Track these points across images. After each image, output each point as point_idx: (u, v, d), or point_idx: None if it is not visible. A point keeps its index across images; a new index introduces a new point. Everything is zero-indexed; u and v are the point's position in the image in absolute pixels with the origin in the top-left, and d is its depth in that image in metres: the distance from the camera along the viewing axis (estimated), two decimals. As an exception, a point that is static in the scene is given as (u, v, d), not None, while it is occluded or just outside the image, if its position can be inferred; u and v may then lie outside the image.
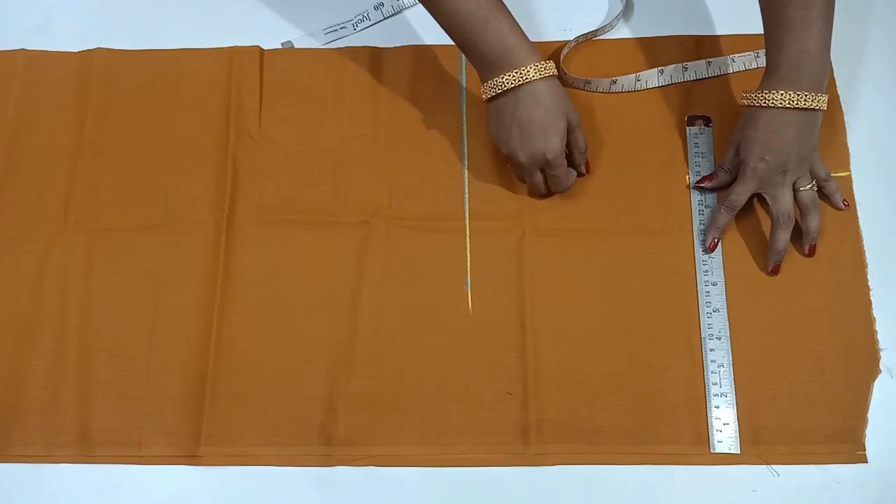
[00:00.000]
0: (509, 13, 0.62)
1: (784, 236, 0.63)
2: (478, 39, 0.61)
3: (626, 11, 0.74)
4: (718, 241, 0.65)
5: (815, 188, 0.64)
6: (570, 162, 0.66)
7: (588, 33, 0.72)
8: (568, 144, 0.64)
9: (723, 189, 0.66)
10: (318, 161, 0.70)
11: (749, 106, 0.62)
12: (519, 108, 0.61)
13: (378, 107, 0.71)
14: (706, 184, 0.66)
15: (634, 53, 0.72)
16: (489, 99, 0.63)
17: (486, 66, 0.62)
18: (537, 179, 0.65)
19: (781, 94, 0.60)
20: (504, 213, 0.67)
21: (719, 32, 0.72)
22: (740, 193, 0.63)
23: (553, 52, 0.72)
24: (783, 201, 0.62)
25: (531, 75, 0.60)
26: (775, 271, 0.64)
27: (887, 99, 0.70)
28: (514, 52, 0.60)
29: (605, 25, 0.72)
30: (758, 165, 0.62)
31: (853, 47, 0.71)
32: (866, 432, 0.60)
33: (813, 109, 0.60)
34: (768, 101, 0.60)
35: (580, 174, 0.67)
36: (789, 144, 0.61)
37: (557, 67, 0.70)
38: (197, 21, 0.76)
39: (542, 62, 0.61)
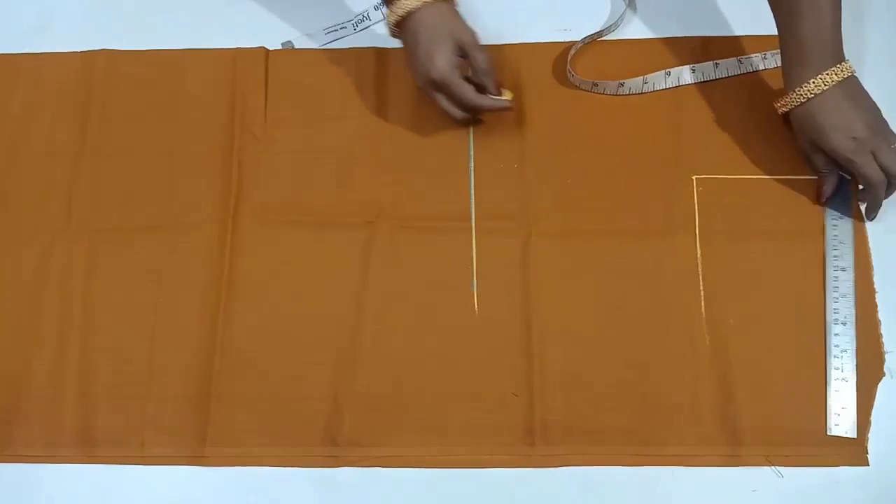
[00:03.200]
0: None
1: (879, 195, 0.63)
2: None
3: (630, 10, 0.74)
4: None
5: None
6: (479, 87, 0.65)
7: (595, 34, 0.72)
8: (471, 67, 0.65)
9: (838, 184, 0.65)
10: (322, 162, 0.69)
11: (792, 110, 0.63)
12: (408, 37, 0.64)
13: (383, 107, 0.71)
14: (825, 192, 0.65)
15: (641, 54, 0.72)
16: (394, 31, 0.65)
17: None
18: (442, 104, 0.66)
19: (815, 82, 0.60)
20: (510, 214, 0.67)
21: (727, 33, 0.72)
22: (872, 170, 0.61)
23: (560, 52, 0.72)
24: (891, 159, 0.61)
25: (411, 5, 0.62)
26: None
27: (892, 102, 0.70)
28: None
29: (611, 25, 0.72)
30: (851, 145, 0.61)
31: (856, 49, 0.71)
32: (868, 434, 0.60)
33: (847, 78, 0.61)
34: (809, 93, 0.61)
35: (499, 100, 0.66)
36: (855, 112, 0.61)
37: (565, 69, 0.71)
38: (196, 21, 0.76)
39: None
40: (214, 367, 0.64)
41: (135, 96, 0.72)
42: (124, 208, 0.69)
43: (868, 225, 0.66)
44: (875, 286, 0.64)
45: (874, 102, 0.63)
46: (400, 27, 0.64)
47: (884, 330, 0.63)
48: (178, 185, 0.69)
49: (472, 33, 0.64)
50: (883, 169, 0.61)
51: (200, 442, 0.62)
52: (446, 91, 0.64)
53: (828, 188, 0.65)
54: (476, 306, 0.65)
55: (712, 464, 0.60)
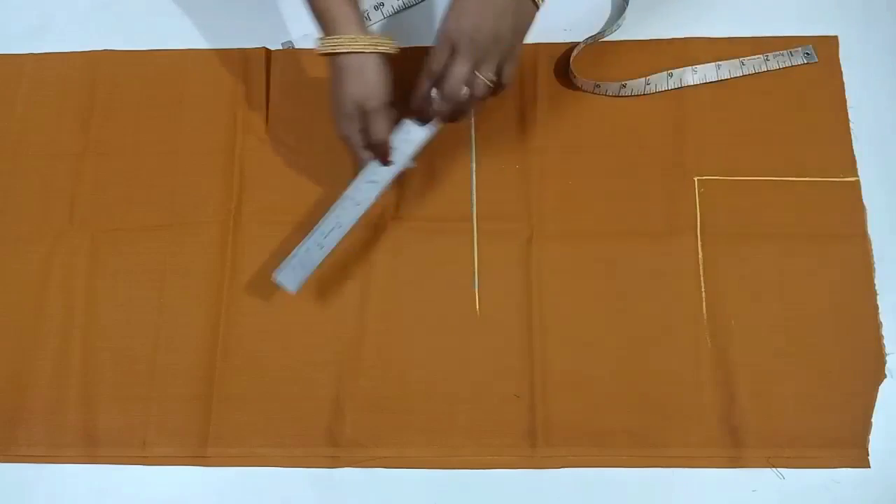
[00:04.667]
0: None
1: (432, 99, 0.58)
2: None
3: (631, 10, 0.74)
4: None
5: (490, 83, 0.57)
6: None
7: (597, 34, 0.72)
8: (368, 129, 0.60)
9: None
10: (325, 162, 0.69)
11: None
12: (331, 73, 0.61)
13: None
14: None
15: (643, 55, 0.71)
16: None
17: (318, 25, 0.61)
18: (357, 153, 0.62)
19: None
20: (512, 215, 0.67)
21: (730, 35, 0.72)
22: (437, 61, 0.57)
23: (561, 53, 0.72)
24: (454, 76, 0.56)
25: (331, 47, 0.59)
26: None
27: (894, 104, 0.70)
28: (335, 18, 0.59)
29: (613, 25, 0.72)
30: (452, 31, 0.56)
31: (859, 52, 0.71)
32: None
33: None
34: None
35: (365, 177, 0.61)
36: (484, 19, 0.55)
37: (566, 69, 0.70)
38: (196, 22, 0.75)
39: (343, 37, 0.58)
40: (217, 368, 0.64)
41: (137, 97, 0.72)
42: (127, 208, 0.69)
43: (868, 225, 0.66)
44: (876, 288, 0.64)
45: (516, 40, 0.57)
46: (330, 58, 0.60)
47: (885, 331, 0.63)
48: (181, 185, 0.69)
49: (378, 99, 0.59)
50: (440, 78, 0.57)
51: (202, 442, 0.62)
52: (344, 140, 0.61)
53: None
54: (478, 307, 0.65)
55: (714, 465, 0.60)
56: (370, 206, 0.61)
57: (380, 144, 0.60)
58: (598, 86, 0.70)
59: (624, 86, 0.70)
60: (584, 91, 0.71)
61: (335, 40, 0.59)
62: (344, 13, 0.59)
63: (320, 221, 0.61)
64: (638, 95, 0.70)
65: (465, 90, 0.57)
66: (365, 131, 0.60)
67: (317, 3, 0.60)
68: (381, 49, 0.59)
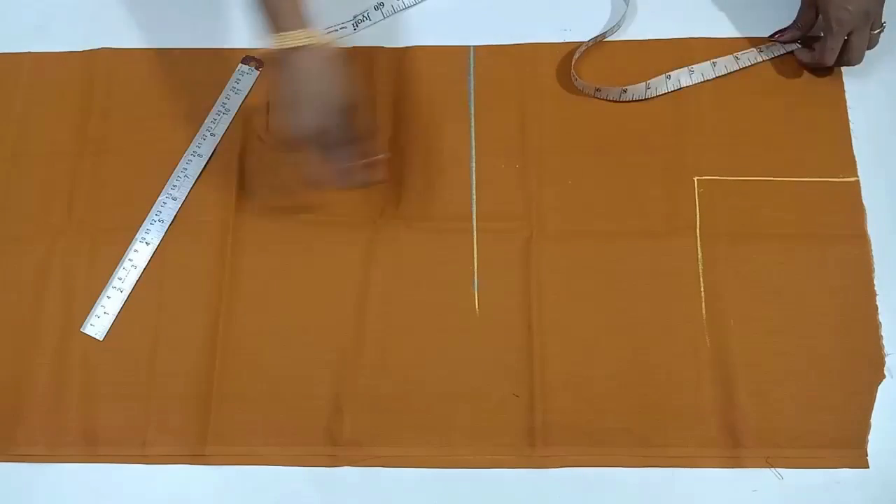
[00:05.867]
0: None
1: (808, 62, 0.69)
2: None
3: (631, 11, 0.74)
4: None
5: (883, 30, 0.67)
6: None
7: (598, 35, 0.72)
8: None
9: (790, 43, 0.70)
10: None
11: None
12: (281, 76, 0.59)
13: (385, 107, 0.71)
14: (779, 38, 0.70)
15: (643, 55, 0.71)
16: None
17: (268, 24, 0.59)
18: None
19: None
20: (511, 215, 0.67)
21: (730, 35, 0.72)
22: (833, 50, 0.66)
23: (562, 53, 0.72)
24: (860, 45, 0.66)
25: (285, 43, 0.57)
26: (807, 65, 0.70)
27: (894, 104, 0.70)
28: (283, 14, 0.58)
29: (614, 26, 0.72)
30: (842, 15, 0.64)
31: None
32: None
33: None
34: None
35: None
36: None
37: (567, 69, 0.70)
38: (196, 21, 0.75)
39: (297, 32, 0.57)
40: (216, 366, 0.64)
41: (136, 95, 0.72)
42: (126, 208, 0.68)
43: (868, 225, 0.65)
44: (875, 288, 0.64)
45: None
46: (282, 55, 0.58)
47: (884, 332, 0.63)
48: (180, 184, 0.69)
49: (344, 95, 0.58)
50: (848, 48, 0.66)
51: (202, 441, 0.62)
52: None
53: (785, 38, 0.70)
54: (477, 307, 0.65)
55: (712, 465, 0.60)
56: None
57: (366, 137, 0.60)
58: (599, 90, 0.70)
59: (625, 91, 0.69)
60: (585, 94, 0.71)
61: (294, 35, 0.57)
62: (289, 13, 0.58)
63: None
64: (639, 100, 0.70)
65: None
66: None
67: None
68: (309, 42, 0.58)
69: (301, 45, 0.57)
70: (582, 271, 0.65)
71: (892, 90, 0.70)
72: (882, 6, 0.65)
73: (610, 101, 0.70)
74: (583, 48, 0.71)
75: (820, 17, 0.67)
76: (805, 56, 0.69)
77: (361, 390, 0.63)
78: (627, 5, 0.73)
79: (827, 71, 0.69)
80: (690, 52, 0.71)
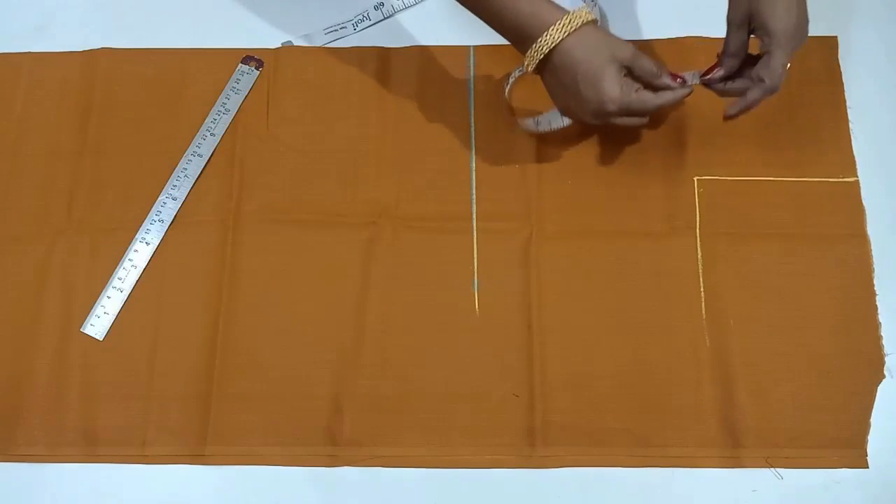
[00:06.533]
0: None
1: (763, 98, 0.60)
2: (496, 14, 0.59)
3: (630, 11, 0.74)
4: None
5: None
6: (656, 88, 0.60)
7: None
8: (641, 78, 0.60)
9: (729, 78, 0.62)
10: (325, 161, 0.69)
11: None
12: (560, 74, 0.59)
13: (385, 107, 0.71)
14: (714, 74, 0.62)
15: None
16: (535, 71, 0.61)
17: (515, 40, 0.60)
18: (625, 122, 0.61)
19: None
20: (511, 215, 0.67)
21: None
22: (785, 65, 0.58)
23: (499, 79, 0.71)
24: (783, 69, 0.59)
25: (554, 38, 0.57)
26: (731, 118, 0.61)
27: (894, 104, 0.70)
28: (532, 19, 0.57)
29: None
30: (787, 26, 0.57)
31: (859, 52, 0.71)
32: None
33: None
34: None
35: (680, 89, 0.60)
36: (801, 14, 0.58)
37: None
38: (196, 21, 0.75)
39: (563, 18, 0.57)
40: (216, 366, 0.64)
41: (136, 95, 0.72)
42: (125, 208, 0.69)
43: (868, 225, 0.66)
44: (875, 288, 0.64)
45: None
46: (543, 70, 0.60)
47: (884, 332, 0.63)
48: (180, 184, 0.69)
49: (628, 47, 0.58)
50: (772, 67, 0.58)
51: (202, 441, 0.62)
52: (627, 113, 0.60)
53: (723, 73, 0.61)
54: (477, 307, 0.65)
55: (712, 465, 0.60)
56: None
57: (659, 68, 0.59)
58: (538, 123, 0.67)
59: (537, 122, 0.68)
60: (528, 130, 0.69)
61: (549, 32, 0.57)
62: (546, 8, 0.58)
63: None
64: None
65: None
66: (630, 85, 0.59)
67: (503, 16, 0.58)
68: (587, 19, 0.58)
69: (556, 41, 0.57)
70: (582, 271, 0.65)
71: (892, 90, 0.70)
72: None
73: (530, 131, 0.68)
74: (516, 73, 0.69)
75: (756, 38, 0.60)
76: (736, 107, 0.61)
77: (361, 390, 0.63)
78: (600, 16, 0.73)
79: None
80: (690, 51, 0.71)
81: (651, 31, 0.73)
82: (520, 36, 0.59)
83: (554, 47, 0.58)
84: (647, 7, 0.74)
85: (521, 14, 0.58)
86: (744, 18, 0.59)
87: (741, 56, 0.61)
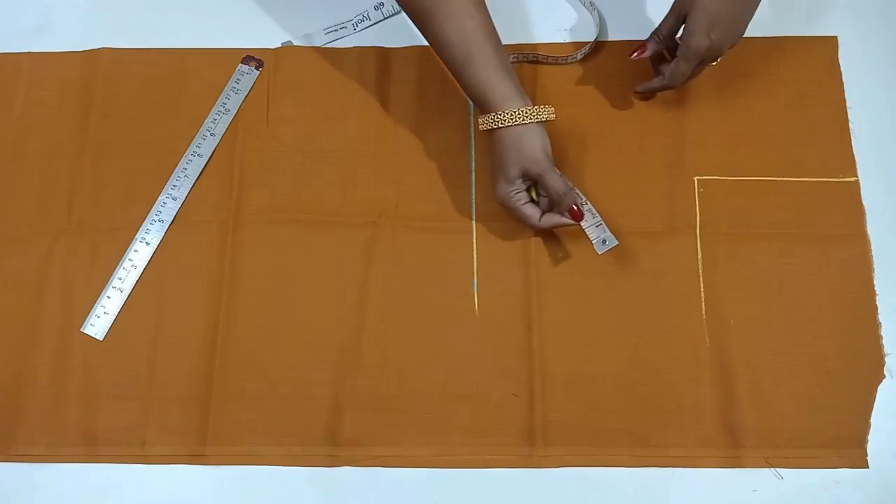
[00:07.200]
0: (496, 50, 0.60)
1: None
2: (464, 77, 0.61)
3: (630, 11, 0.73)
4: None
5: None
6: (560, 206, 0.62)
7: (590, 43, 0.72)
8: (548, 195, 0.62)
9: (653, 58, 0.67)
10: (324, 161, 0.69)
11: None
12: (492, 144, 0.62)
13: (385, 107, 0.71)
14: (637, 55, 0.65)
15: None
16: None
17: (473, 97, 0.62)
18: (517, 216, 0.64)
19: None
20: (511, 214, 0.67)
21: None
22: (684, 73, 0.63)
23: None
24: (691, 74, 0.64)
25: (490, 123, 0.60)
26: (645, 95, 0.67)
27: (894, 104, 0.70)
28: (491, 97, 0.60)
29: (584, 48, 0.72)
30: (702, 42, 0.60)
31: (858, 52, 0.71)
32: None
33: None
34: None
35: (562, 221, 0.62)
36: (733, 21, 0.61)
37: (567, 73, 0.70)
38: (196, 20, 0.76)
39: (503, 112, 0.60)
40: (216, 366, 0.64)
41: (136, 95, 0.72)
42: (125, 208, 0.69)
43: (868, 225, 0.66)
44: (875, 288, 0.64)
45: (749, 20, 0.62)
46: (488, 133, 0.62)
47: (884, 332, 0.63)
48: (180, 184, 0.69)
49: (541, 165, 0.60)
50: (702, 58, 0.62)
51: (202, 441, 0.62)
52: (512, 213, 0.63)
53: (647, 53, 0.65)
54: (477, 307, 0.65)
55: (712, 465, 0.60)
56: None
57: (563, 195, 0.61)
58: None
59: None
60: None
61: (495, 117, 0.60)
62: (501, 90, 0.60)
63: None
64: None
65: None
66: (526, 193, 0.63)
67: (473, 81, 0.60)
68: (540, 118, 0.60)
69: (492, 127, 0.60)
70: (582, 271, 0.65)
71: (892, 90, 0.70)
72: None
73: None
74: (579, 55, 0.71)
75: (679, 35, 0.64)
76: (645, 84, 0.67)
77: (361, 390, 0.63)
78: (597, 23, 0.73)
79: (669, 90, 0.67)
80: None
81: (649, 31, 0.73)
82: (475, 103, 0.62)
83: (494, 129, 0.61)
84: (647, 7, 0.74)
85: (476, 89, 0.60)
86: (679, 4, 0.63)
87: (666, 43, 0.65)
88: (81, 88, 0.72)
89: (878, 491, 0.60)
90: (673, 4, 0.63)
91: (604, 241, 0.62)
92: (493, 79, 0.60)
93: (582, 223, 0.63)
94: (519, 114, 0.60)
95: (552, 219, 0.63)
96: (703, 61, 0.63)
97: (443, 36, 0.60)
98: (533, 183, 0.63)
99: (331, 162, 0.69)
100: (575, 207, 0.61)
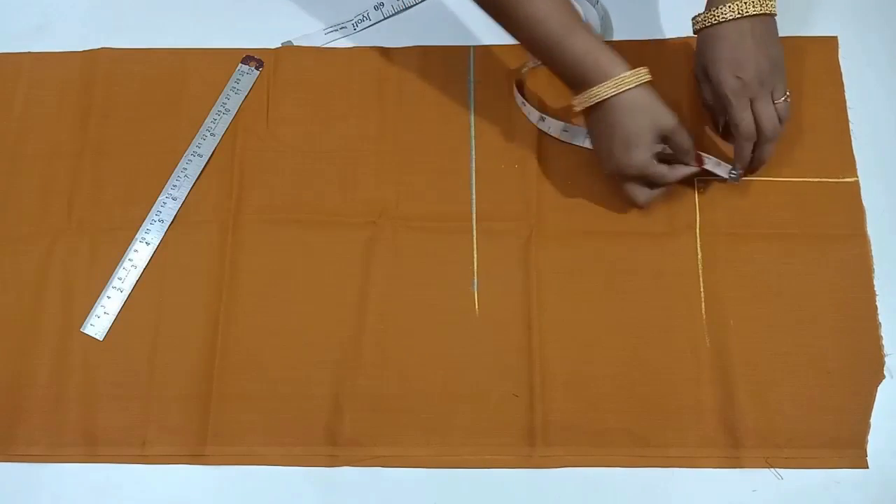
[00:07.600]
0: (586, 25, 0.60)
1: (770, 149, 0.62)
2: (564, 50, 0.59)
3: (630, 11, 0.73)
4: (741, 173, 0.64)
5: (788, 101, 0.62)
6: (679, 161, 0.63)
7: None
8: (673, 150, 0.62)
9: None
10: (324, 161, 0.69)
11: (701, 30, 0.62)
12: (601, 123, 0.61)
13: (385, 107, 0.71)
14: (719, 123, 0.66)
15: (642, 55, 0.71)
16: (582, 112, 0.62)
17: (572, 77, 0.61)
18: (629, 192, 0.64)
19: (729, 7, 0.59)
20: (511, 214, 0.67)
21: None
22: (743, 118, 0.61)
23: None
24: (767, 113, 0.61)
25: (607, 93, 0.59)
26: (738, 177, 0.64)
27: (894, 104, 0.70)
28: (601, 63, 0.58)
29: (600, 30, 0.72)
30: (734, 84, 0.60)
31: (859, 52, 0.71)
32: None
33: (764, 15, 0.60)
34: (718, 17, 0.60)
35: (689, 168, 0.63)
36: (753, 53, 0.60)
37: (520, 87, 0.70)
38: (196, 20, 0.75)
39: (625, 74, 0.58)
40: (216, 366, 0.64)
41: (136, 95, 0.72)
42: (125, 208, 0.69)
43: (868, 225, 0.66)
44: (875, 288, 0.64)
45: (781, 52, 0.62)
46: (588, 112, 0.61)
47: (884, 332, 0.63)
48: (180, 184, 0.69)
49: (671, 118, 0.60)
50: (756, 119, 0.61)
51: (202, 441, 0.62)
52: (642, 180, 0.63)
53: (720, 122, 0.66)
54: (477, 306, 0.65)
55: (712, 465, 0.60)
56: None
57: (689, 150, 0.61)
58: (543, 120, 0.69)
59: (566, 130, 0.68)
60: (531, 122, 0.70)
61: (620, 81, 0.58)
62: (608, 55, 0.59)
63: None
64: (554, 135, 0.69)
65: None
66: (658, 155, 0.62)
67: (578, 49, 0.59)
68: (644, 79, 0.59)
69: (606, 96, 0.59)
70: (582, 271, 0.65)
71: (892, 90, 0.70)
72: (783, 74, 0.62)
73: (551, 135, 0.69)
74: (529, 64, 0.70)
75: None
76: (737, 170, 0.64)
77: (361, 390, 0.63)
78: (600, 17, 0.73)
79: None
80: (690, 51, 0.71)
81: (652, 31, 0.73)
82: (574, 78, 0.60)
83: (609, 98, 0.59)
84: (648, 7, 0.74)
85: (579, 59, 0.59)
86: (701, 71, 0.63)
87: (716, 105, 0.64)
88: (81, 88, 0.72)
89: (878, 491, 0.60)
90: (695, 72, 0.64)
91: (732, 170, 0.63)
92: (597, 45, 0.59)
93: (706, 166, 0.62)
94: (640, 73, 0.59)
95: (681, 170, 0.62)
96: (757, 99, 0.61)
97: (538, 11, 0.58)
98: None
99: (331, 162, 0.69)
100: (699, 157, 0.62)
